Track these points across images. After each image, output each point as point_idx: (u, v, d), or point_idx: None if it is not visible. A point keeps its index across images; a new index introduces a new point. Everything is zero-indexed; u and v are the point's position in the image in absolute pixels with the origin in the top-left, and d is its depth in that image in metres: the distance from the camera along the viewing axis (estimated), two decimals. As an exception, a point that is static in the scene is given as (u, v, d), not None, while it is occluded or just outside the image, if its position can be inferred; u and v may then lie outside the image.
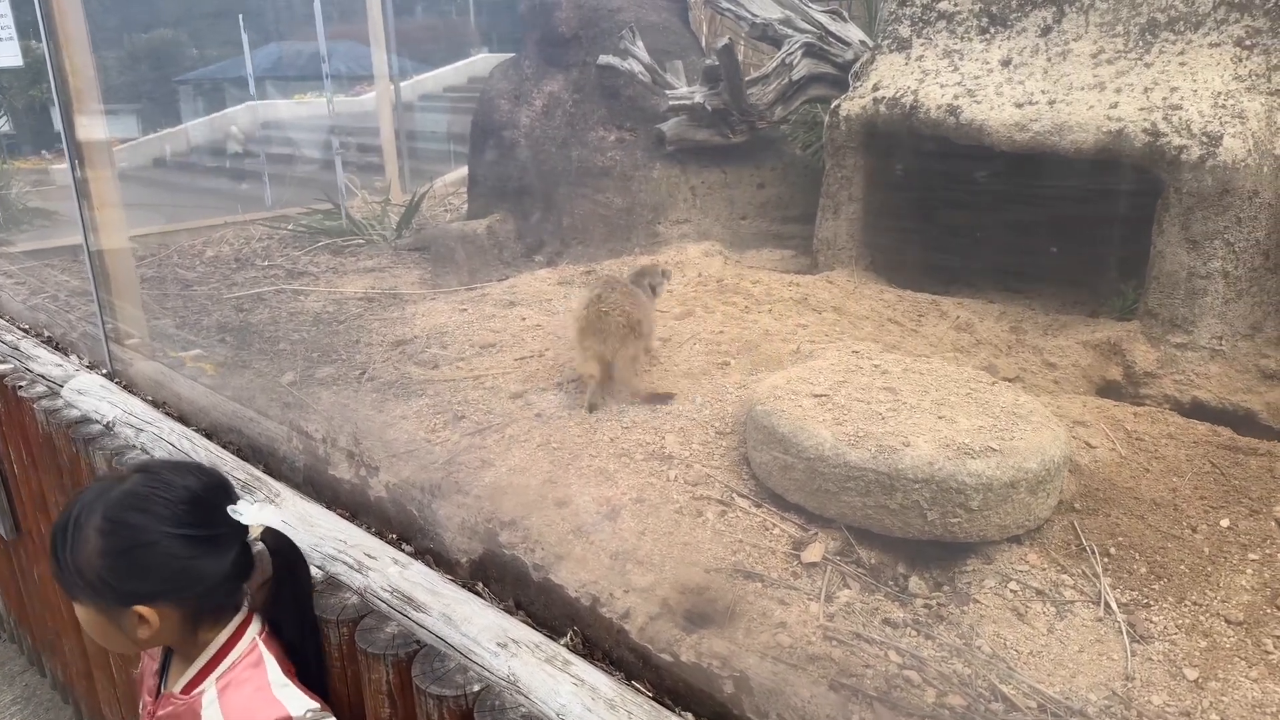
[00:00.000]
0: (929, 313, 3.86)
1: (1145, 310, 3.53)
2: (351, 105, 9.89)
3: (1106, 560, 1.99)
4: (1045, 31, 3.87)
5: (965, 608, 1.89)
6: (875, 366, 2.58)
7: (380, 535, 2.28)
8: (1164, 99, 3.43)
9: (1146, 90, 3.50)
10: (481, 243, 4.93)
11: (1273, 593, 1.86)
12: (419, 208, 6.55)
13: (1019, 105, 3.73)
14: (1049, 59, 3.82)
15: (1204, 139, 3.27)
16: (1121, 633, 1.78)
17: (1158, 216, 3.46)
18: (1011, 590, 1.94)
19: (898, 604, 1.91)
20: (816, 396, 2.34)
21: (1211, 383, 3.39)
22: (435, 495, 2.22)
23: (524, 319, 3.69)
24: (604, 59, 4.99)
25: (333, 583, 2.08)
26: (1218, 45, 3.45)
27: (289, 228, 6.54)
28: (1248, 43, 3.39)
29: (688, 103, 4.75)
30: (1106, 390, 3.51)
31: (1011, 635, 1.80)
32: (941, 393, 2.38)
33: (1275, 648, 1.72)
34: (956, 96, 3.91)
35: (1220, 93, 3.36)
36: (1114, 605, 1.85)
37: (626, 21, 5.03)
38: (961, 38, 4.11)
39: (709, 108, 4.72)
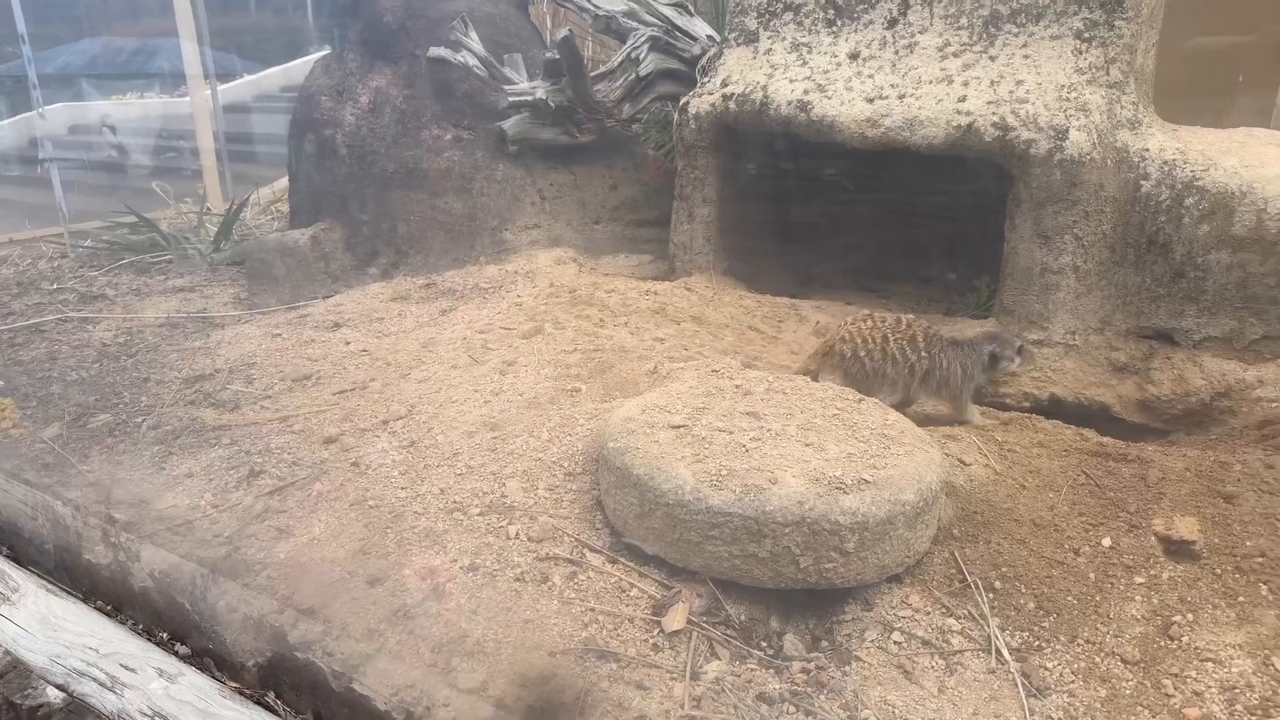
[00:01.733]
0: (788, 317, 3.69)
1: (1001, 307, 3.48)
2: (176, 107, 8.96)
3: (992, 596, 1.82)
4: (891, 24, 3.76)
5: (847, 668, 1.66)
6: (737, 387, 2.34)
7: (149, 634, 1.85)
8: (1010, 92, 3.38)
9: (993, 83, 3.44)
10: (304, 255, 4.41)
11: (1164, 622, 1.73)
12: (240, 217, 5.91)
13: (869, 100, 3.60)
14: (896, 52, 3.72)
15: (1051, 132, 3.22)
16: (1017, 686, 1.60)
17: (1010, 211, 3.40)
18: (896, 642, 1.72)
19: (773, 672, 1.66)
20: (675, 428, 2.06)
21: (1067, 378, 3.36)
22: (215, 580, 1.80)
23: (348, 343, 3.25)
24: (435, 51, 4.57)
25: (77, 709, 1.63)
26: (1059, 38, 3.43)
27: (87, 244, 5.75)
28: (1086, 35, 3.38)
29: (529, 99, 4.41)
30: (969, 390, 3.43)
31: (900, 700, 1.58)
32: (807, 415, 2.16)
33: (1175, 689, 1.57)
34: (807, 92, 3.75)
35: (1064, 85, 3.33)
36: (1006, 653, 1.67)
37: (458, 11, 4.63)
38: (809, 30, 3.96)
39: (552, 104, 4.40)
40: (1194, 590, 1.80)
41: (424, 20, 4.72)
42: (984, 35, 3.56)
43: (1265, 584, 1.80)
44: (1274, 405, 3.00)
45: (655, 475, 1.88)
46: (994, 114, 3.32)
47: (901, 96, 3.55)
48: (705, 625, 1.75)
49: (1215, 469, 2.20)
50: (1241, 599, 1.77)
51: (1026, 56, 3.46)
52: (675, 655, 1.67)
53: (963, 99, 3.43)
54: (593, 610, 1.75)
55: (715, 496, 1.81)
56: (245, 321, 3.88)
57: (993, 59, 3.52)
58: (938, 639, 1.72)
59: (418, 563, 1.84)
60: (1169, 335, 3.31)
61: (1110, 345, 3.38)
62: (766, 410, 2.17)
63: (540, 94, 4.43)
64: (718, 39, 4.76)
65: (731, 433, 2.04)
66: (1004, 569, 1.88)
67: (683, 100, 4.12)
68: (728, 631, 1.75)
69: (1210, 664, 1.62)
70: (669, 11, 4.92)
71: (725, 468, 1.87)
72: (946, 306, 3.94)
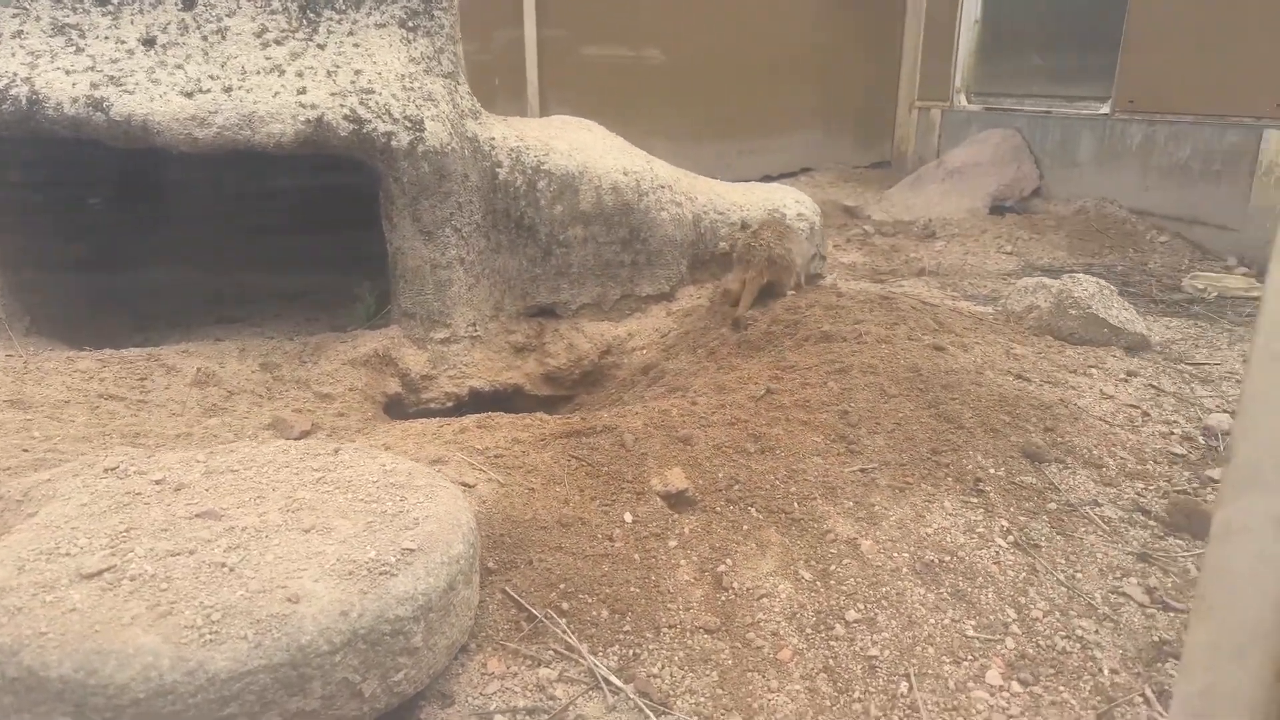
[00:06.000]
0: (153, 373, 2.89)
1: (401, 312, 3.27)
2: None
3: (567, 620, 1.62)
4: (189, 4, 3.15)
5: (470, 793, 1.29)
6: (159, 483, 1.65)
7: None
8: (352, 82, 3.13)
9: (330, 74, 3.14)
10: None
11: (714, 577, 1.76)
12: None
13: (188, 95, 2.97)
14: (205, 38, 3.13)
15: (407, 123, 3.09)
16: (642, 710, 1.44)
17: (385, 210, 3.19)
18: (503, 728, 1.40)
19: None
20: (95, 576, 1.33)
21: (479, 369, 3.36)
22: None
23: None
24: None
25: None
26: (384, 26, 3.29)
27: None
28: (410, 24, 3.31)
29: None
30: (391, 406, 3.17)
31: (548, 797, 1.28)
32: (284, 490, 1.63)
33: (760, 639, 1.61)
34: (96, 85, 2.91)
35: (404, 75, 3.22)
36: (615, 680, 1.49)
37: None
38: (75, 9, 3.07)
39: None
40: (714, 535, 1.89)
41: None
42: (304, 21, 3.23)
43: (752, 506, 1.99)
44: (645, 352, 3.46)
45: (100, 663, 1.17)
46: (343, 106, 3.05)
47: (228, 90, 3.01)
48: (261, 847, 1.17)
49: (662, 418, 2.37)
50: (746, 527, 1.92)
51: (357, 45, 3.25)
52: None
53: (302, 90, 3.06)
54: None
55: (219, 656, 1.20)
56: None
57: (322, 47, 3.22)
58: (543, 701, 1.45)
59: None
60: (552, 310, 3.55)
61: (507, 330, 3.48)
62: (225, 503, 1.57)
63: None
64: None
65: (194, 551, 1.41)
66: (561, 585, 1.70)
67: (-112, 100, 2.82)
68: (298, 836, 1.20)
69: (766, 599, 1.70)
70: None
71: (213, 606, 1.27)
72: (336, 321, 3.57)
